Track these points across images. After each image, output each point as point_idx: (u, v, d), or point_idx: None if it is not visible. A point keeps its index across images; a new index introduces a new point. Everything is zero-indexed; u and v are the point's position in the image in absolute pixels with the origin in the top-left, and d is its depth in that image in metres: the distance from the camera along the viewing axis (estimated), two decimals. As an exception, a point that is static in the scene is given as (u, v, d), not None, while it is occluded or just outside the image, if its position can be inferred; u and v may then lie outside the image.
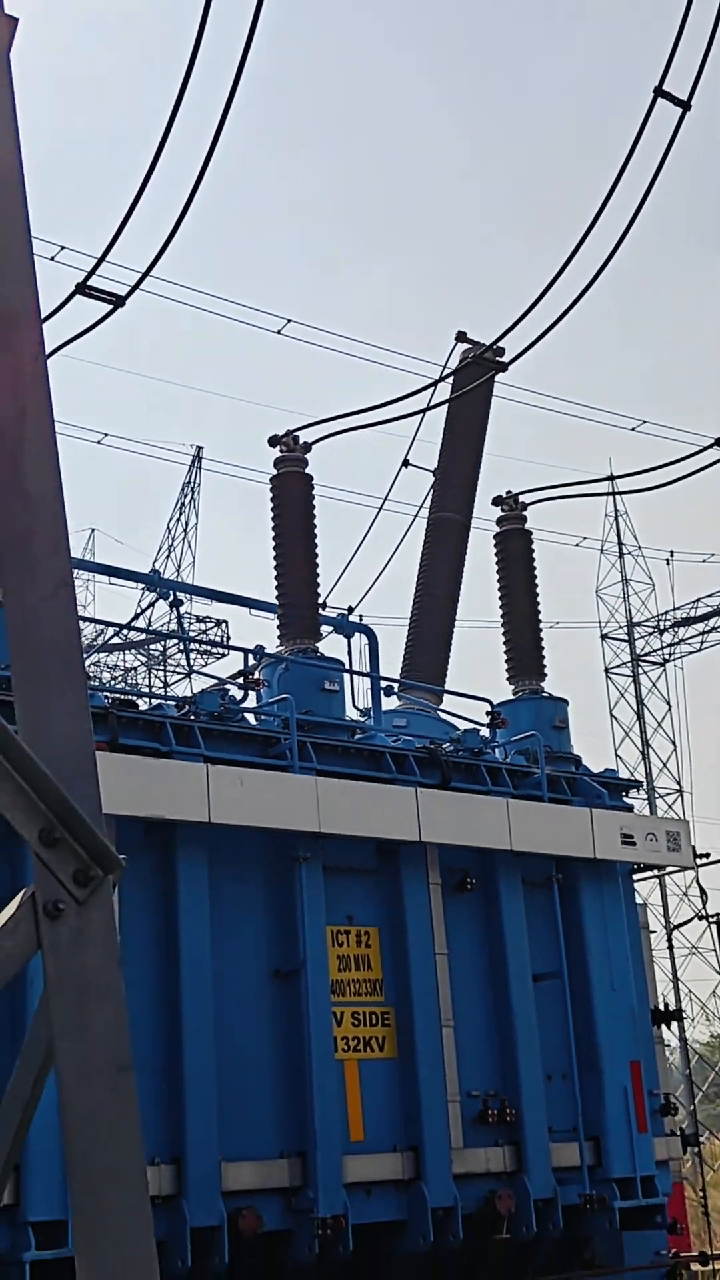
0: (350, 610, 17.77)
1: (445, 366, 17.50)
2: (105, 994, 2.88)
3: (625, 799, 14.22)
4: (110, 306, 10.95)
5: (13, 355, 3.16)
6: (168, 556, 50.18)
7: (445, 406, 18.64)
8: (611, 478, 16.33)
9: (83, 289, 10.77)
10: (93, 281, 10.82)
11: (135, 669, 46.74)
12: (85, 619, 14.14)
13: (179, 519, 51.09)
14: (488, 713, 14.07)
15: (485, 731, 13.94)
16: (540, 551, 15.38)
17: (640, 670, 51.20)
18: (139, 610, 14.11)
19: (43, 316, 11.26)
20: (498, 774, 13.26)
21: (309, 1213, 10.81)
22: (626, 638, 51.99)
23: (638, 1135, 12.73)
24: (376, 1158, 11.44)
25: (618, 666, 52.18)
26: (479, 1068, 12.29)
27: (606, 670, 52.08)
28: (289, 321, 32.74)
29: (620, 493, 18.42)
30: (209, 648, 28.99)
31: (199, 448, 50.17)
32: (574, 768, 14.06)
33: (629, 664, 51.61)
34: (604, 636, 52.11)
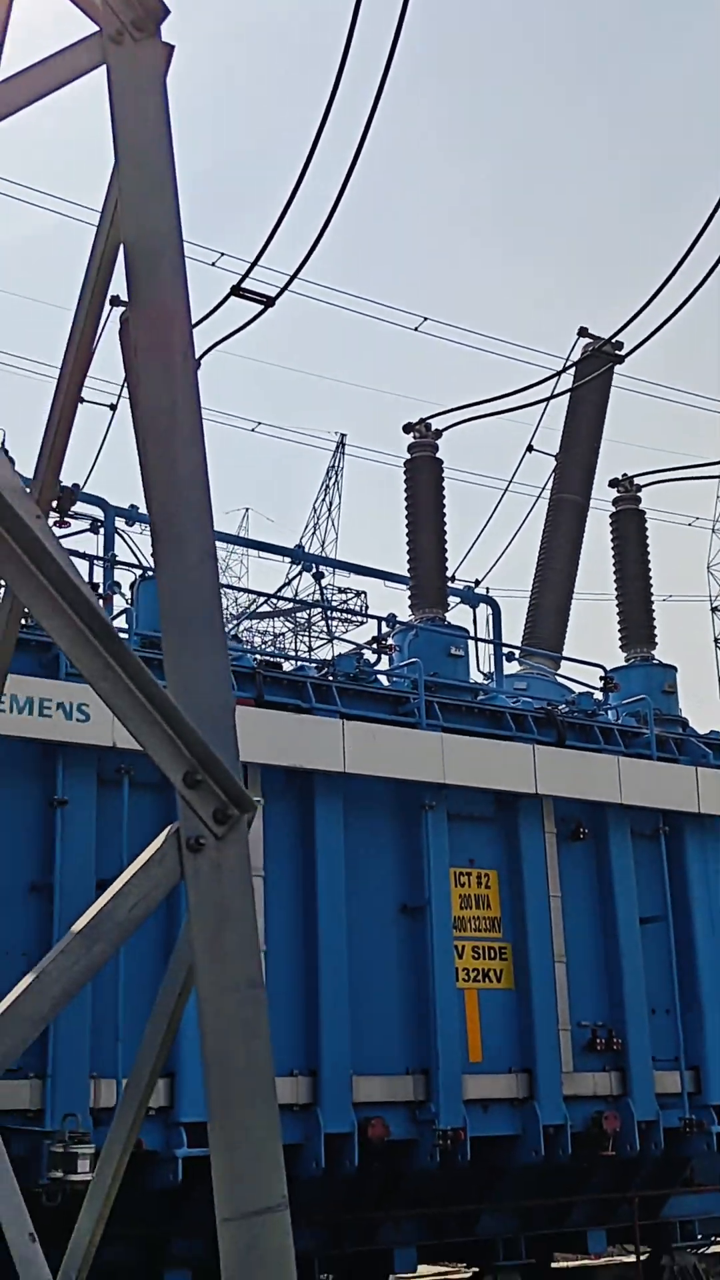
0: (477, 584, 17.71)
1: (568, 359, 17.29)
2: (239, 919, 2.95)
3: (728, 759, 13.97)
4: (262, 306, 11.02)
5: (167, 352, 3.23)
6: (313, 534, 50.45)
7: (567, 396, 18.48)
8: (720, 461, 15.96)
9: (237, 291, 10.87)
10: (246, 284, 10.90)
11: (283, 635, 47.18)
12: (237, 588, 14.35)
13: (324, 500, 51.32)
14: (601, 678, 13.95)
15: (599, 695, 13.82)
16: (654, 530, 15.20)
17: (748, 640, 50.14)
18: (285, 581, 14.33)
19: (202, 316, 11.35)
20: (610, 734, 13.15)
21: (431, 1124, 10.91)
22: (736, 610, 50.90)
23: (735, 1067, 12.58)
24: (493, 1078, 11.48)
25: (726, 637, 51.10)
26: (588, 1000, 12.25)
27: (716, 640, 51.12)
28: (425, 319, 32.68)
29: (726, 475, 18.01)
30: (348, 616, 29.13)
31: (342, 435, 50.26)
32: (681, 729, 13.88)
33: (737, 634, 50.54)
34: (714, 609, 51.15)
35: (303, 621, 46.83)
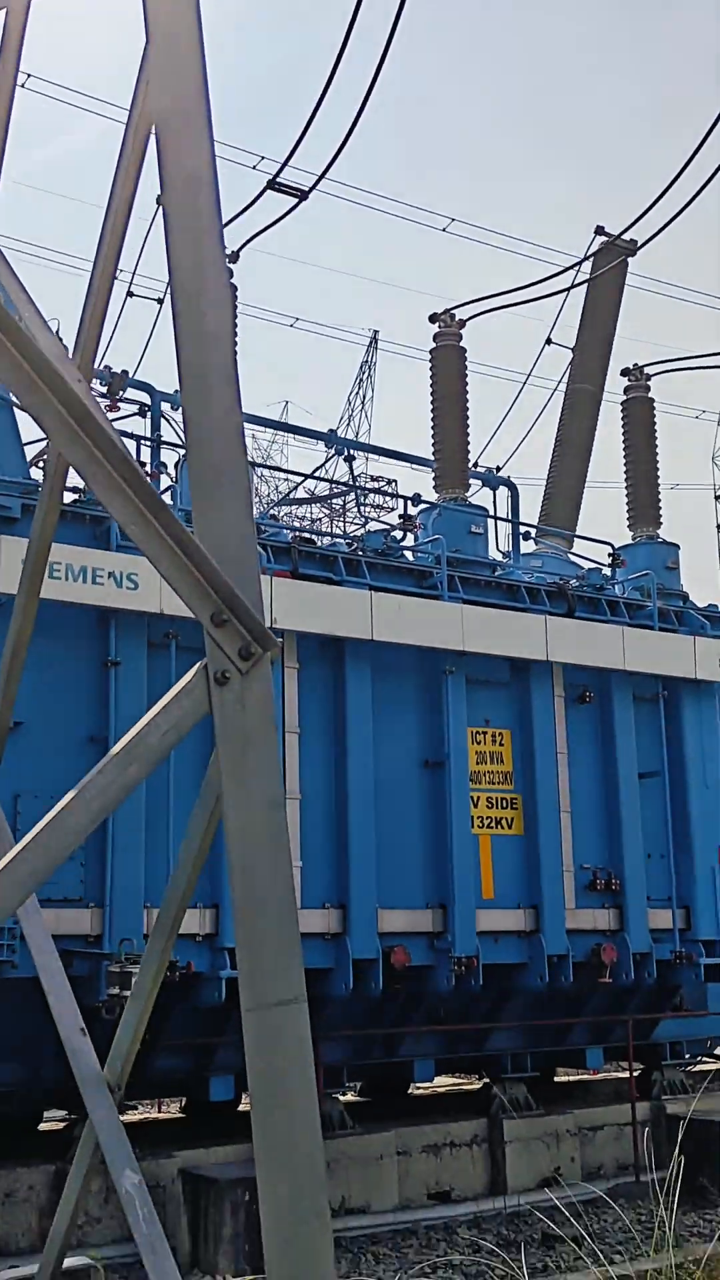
0: (499, 469, 17.50)
1: (585, 255, 16.80)
2: (262, 746, 2.93)
3: (725, 630, 13.88)
4: (297, 199, 10.72)
5: (195, 216, 3.10)
6: (348, 425, 49.86)
7: (584, 290, 18.04)
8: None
9: (273, 185, 10.56)
10: (282, 180, 10.59)
11: (320, 520, 46.98)
12: (274, 468, 14.17)
13: (357, 393, 50.62)
14: (609, 554, 13.81)
15: (607, 571, 13.69)
16: (662, 422, 14.88)
17: (748, 527, 49.53)
18: (320, 464, 14.24)
19: (240, 210, 10.96)
20: (616, 606, 13.06)
21: (448, 952, 11.11)
22: (737, 499, 50.21)
23: (722, 906, 12.73)
24: (504, 912, 11.65)
25: (728, 524, 50.49)
26: (590, 846, 12.36)
27: (719, 526, 50.50)
28: (453, 220, 31.78)
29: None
30: (379, 498, 28.84)
31: (375, 331, 49.38)
32: (681, 602, 13.75)
33: (738, 522, 49.92)
34: (718, 498, 50.44)
35: (338, 508, 46.62)
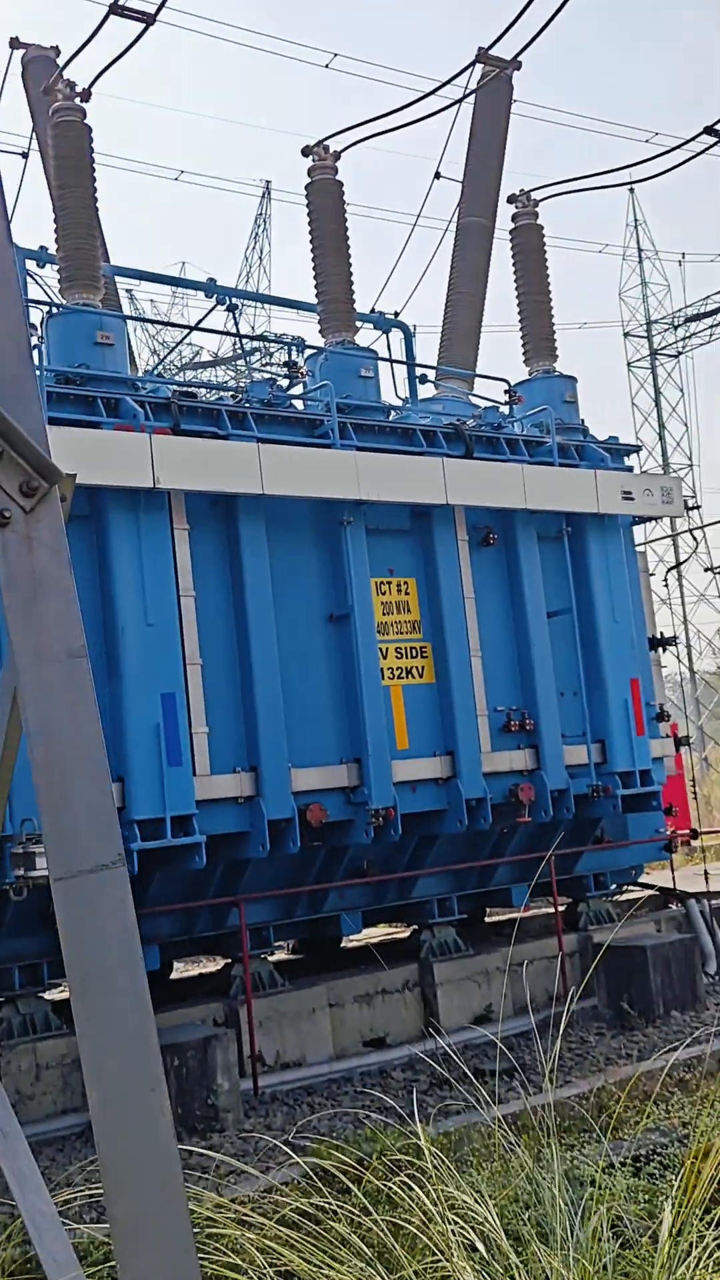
0: (396, 315, 16.91)
1: (468, 79, 15.96)
2: (56, 590, 2.62)
3: (625, 461, 13.66)
4: (144, 25, 9.93)
5: None
6: (245, 281, 48.32)
7: (470, 120, 17.24)
8: (623, 168, 14.89)
9: (115, 9, 9.75)
10: (132, 5, 9.78)
11: (226, 381, 45.75)
12: (152, 320, 13.52)
13: (254, 248, 48.95)
14: (505, 391, 13.42)
15: (505, 409, 13.33)
16: (566, 259, 14.61)
17: (657, 363, 49.29)
18: (203, 316, 13.55)
19: (85, 41, 10.09)
20: (515, 444, 12.74)
21: (365, 805, 11.03)
22: (645, 334, 49.85)
23: (636, 737, 12.77)
24: (420, 761, 11.58)
25: (638, 360, 50.23)
26: (503, 688, 12.28)
27: (628, 364, 50.16)
28: (335, 55, 30.28)
29: (628, 183, 17.01)
30: (263, 344, 27.72)
31: (268, 182, 47.55)
32: (581, 436, 13.47)
33: (648, 358, 49.65)
34: (626, 334, 49.97)
35: (243, 369, 45.41)
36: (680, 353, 48.74)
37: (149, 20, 9.77)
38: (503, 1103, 9.18)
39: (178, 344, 13.53)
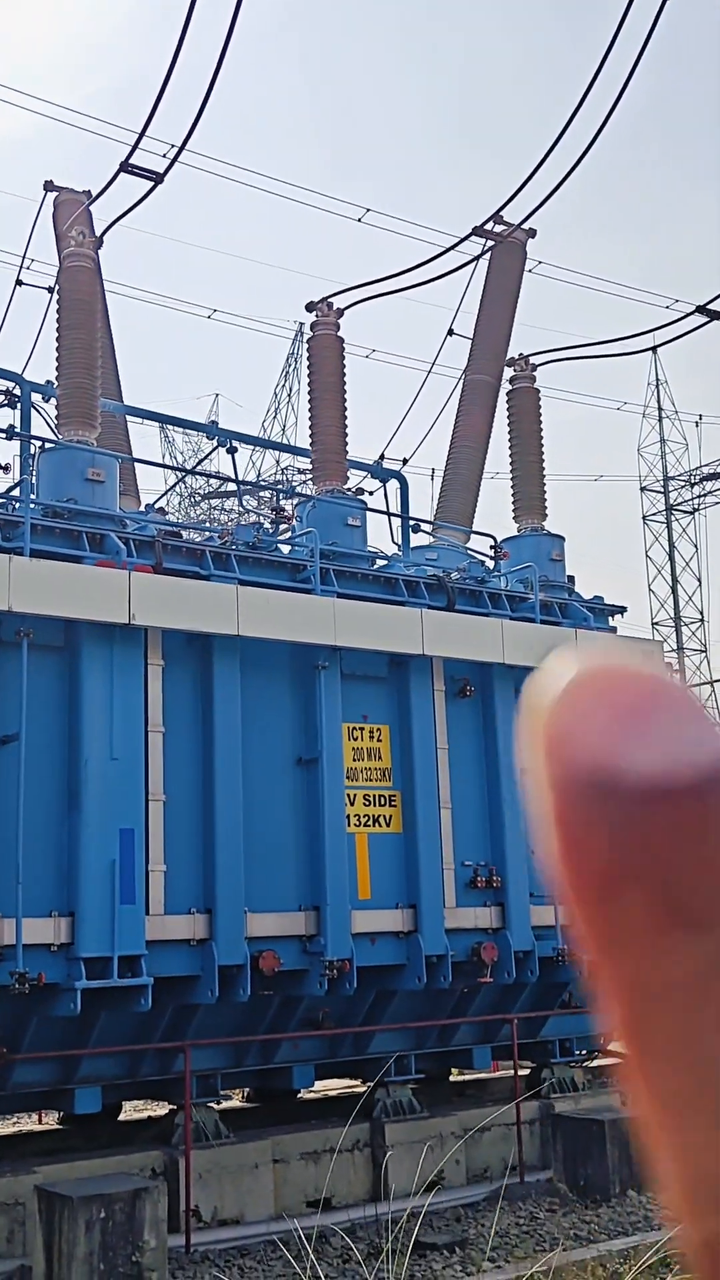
0: (405, 462, 17.27)
1: (484, 243, 16.56)
2: None
3: (610, 621, 13.75)
4: (152, 183, 10.40)
5: None
6: (274, 418, 49.47)
7: (483, 282, 17.91)
8: (615, 339, 15.36)
9: (125, 168, 10.22)
10: (134, 163, 10.25)
11: (244, 514, 46.43)
12: (150, 462, 13.82)
13: (283, 386, 50.22)
14: (491, 546, 13.62)
15: (490, 563, 13.50)
16: (586, 414, 14.93)
17: (673, 518, 49.98)
18: (203, 458, 13.83)
19: (98, 193, 10.57)
20: (498, 599, 12.87)
21: (320, 955, 10.86)
22: (663, 490, 50.66)
23: (606, 902, 12.56)
24: (380, 913, 11.44)
25: (654, 515, 50.97)
26: (472, 842, 12.18)
27: (644, 518, 50.88)
28: (368, 210, 31.41)
29: (633, 352, 17.46)
30: (254, 490, 27.91)
31: (300, 324, 48.97)
32: (566, 594, 13.60)
33: (664, 513, 50.38)
34: (643, 489, 50.82)
35: (265, 499, 46.13)
36: (696, 509, 49.47)
37: (158, 179, 10.23)
38: (433, 1282, 8.82)
39: (171, 487, 13.92)
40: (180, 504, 43.84)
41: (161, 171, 10.15)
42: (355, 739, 11.70)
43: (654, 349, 19.90)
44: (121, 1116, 12.60)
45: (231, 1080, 11.83)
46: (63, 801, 9.97)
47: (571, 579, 14.17)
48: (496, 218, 17.50)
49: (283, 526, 12.28)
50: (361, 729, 11.76)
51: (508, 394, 14.52)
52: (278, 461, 48.69)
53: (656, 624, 49.88)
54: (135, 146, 10.04)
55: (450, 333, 18.73)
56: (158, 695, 10.60)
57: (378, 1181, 11.45)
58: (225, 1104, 12.27)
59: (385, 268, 12.67)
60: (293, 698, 11.44)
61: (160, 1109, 13.41)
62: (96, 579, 10.05)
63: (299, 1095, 13.12)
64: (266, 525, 12.23)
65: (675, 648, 49.00)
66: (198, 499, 43.17)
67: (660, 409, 50.32)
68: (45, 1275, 9.07)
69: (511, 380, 14.50)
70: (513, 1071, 12.39)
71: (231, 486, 46.71)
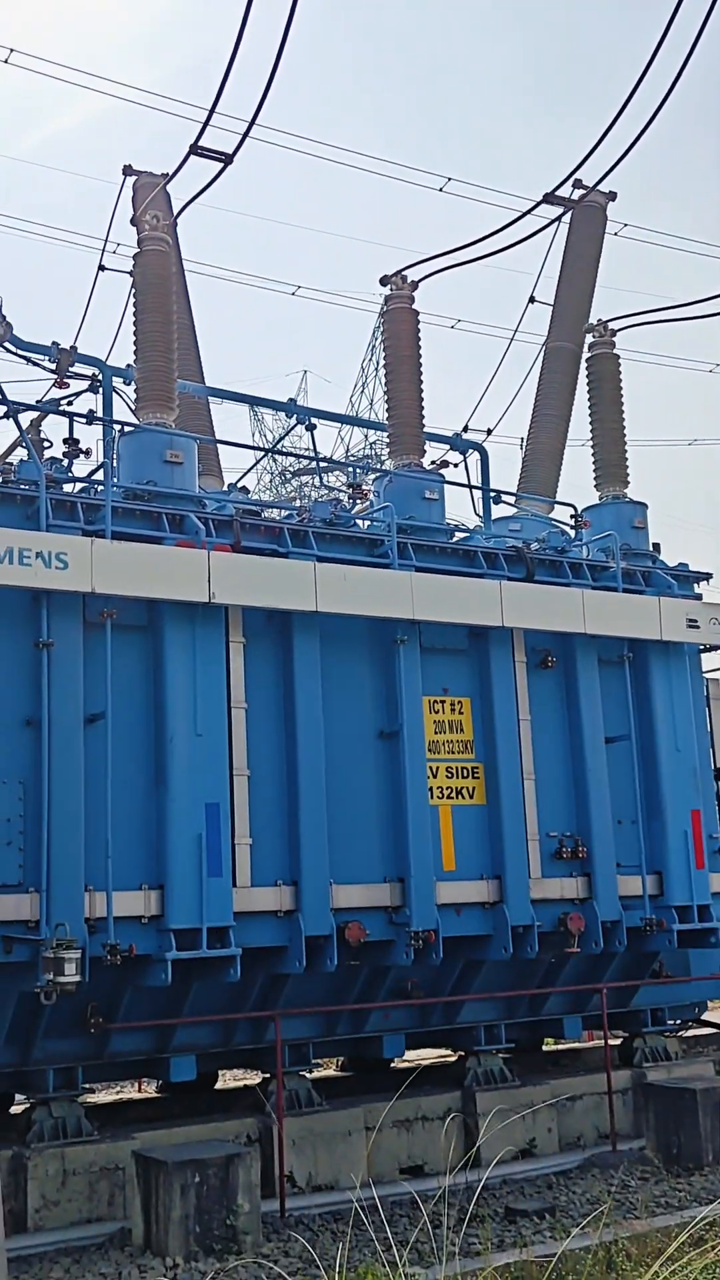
0: (489, 433, 17.20)
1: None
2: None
3: (696, 589, 13.59)
4: (222, 164, 10.49)
5: None
6: (361, 391, 49.55)
7: (563, 247, 17.78)
8: (696, 301, 15.05)
9: (195, 150, 10.33)
10: (204, 145, 10.35)
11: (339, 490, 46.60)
12: (226, 442, 14.02)
13: (370, 360, 50.19)
14: (572, 516, 13.54)
15: (572, 533, 13.42)
16: (678, 378, 14.75)
17: (771, 480, 48.94)
18: (283, 435, 14.01)
19: (169, 176, 10.67)
20: (578, 569, 12.80)
21: (406, 926, 10.98)
22: (760, 452, 49.62)
23: (695, 871, 12.51)
24: (465, 884, 11.52)
25: (751, 477, 49.93)
26: (556, 813, 12.18)
27: (740, 481, 49.86)
28: (450, 179, 31.16)
29: (708, 315, 17.08)
30: (333, 466, 27.87)
31: (386, 297, 48.85)
32: (650, 562, 13.47)
33: (761, 475, 49.34)
34: (739, 451, 49.79)
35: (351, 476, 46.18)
36: None
37: (227, 160, 10.31)
38: (520, 1246, 8.92)
39: (252, 466, 14.18)
40: (271, 482, 44.17)
41: (230, 152, 10.22)
42: (436, 712, 11.76)
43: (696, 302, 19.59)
44: (219, 1085, 12.91)
45: (324, 1049, 12.03)
46: (149, 777, 10.20)
47: (656, 546, 14.02)
48: (574, 182, 17.30)
49: (360, 502, 12.34)
50: (443, 702, 11.82)
51: (587, 360, 14.38)
52: (365, 437, 48.79)
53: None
54: (204, 128, 10.12)
55: (532, 300, 18.55)
56: (239, 672, 10.77)
57: (470, 1149, 11.58)
58: (318, 1073, 12.50)
59: (469, 236, 12.58)
60: (373, 672, 11.53)
61: (255, 1078, 13.70)
62: (176, 559, 10.23)
63: (391, 1064, 13.29)
64: (344, 501, 12.30)
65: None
66: (287, 476, 43.45)
67: (755, 369, 49.22)
68: (144, 1237, 9.36)
69: (590, 347, 14.35)
70: (604, 1041, 12.40)
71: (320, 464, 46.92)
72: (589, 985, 12.42)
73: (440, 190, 31.51)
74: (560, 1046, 14.76)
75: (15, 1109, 11.19)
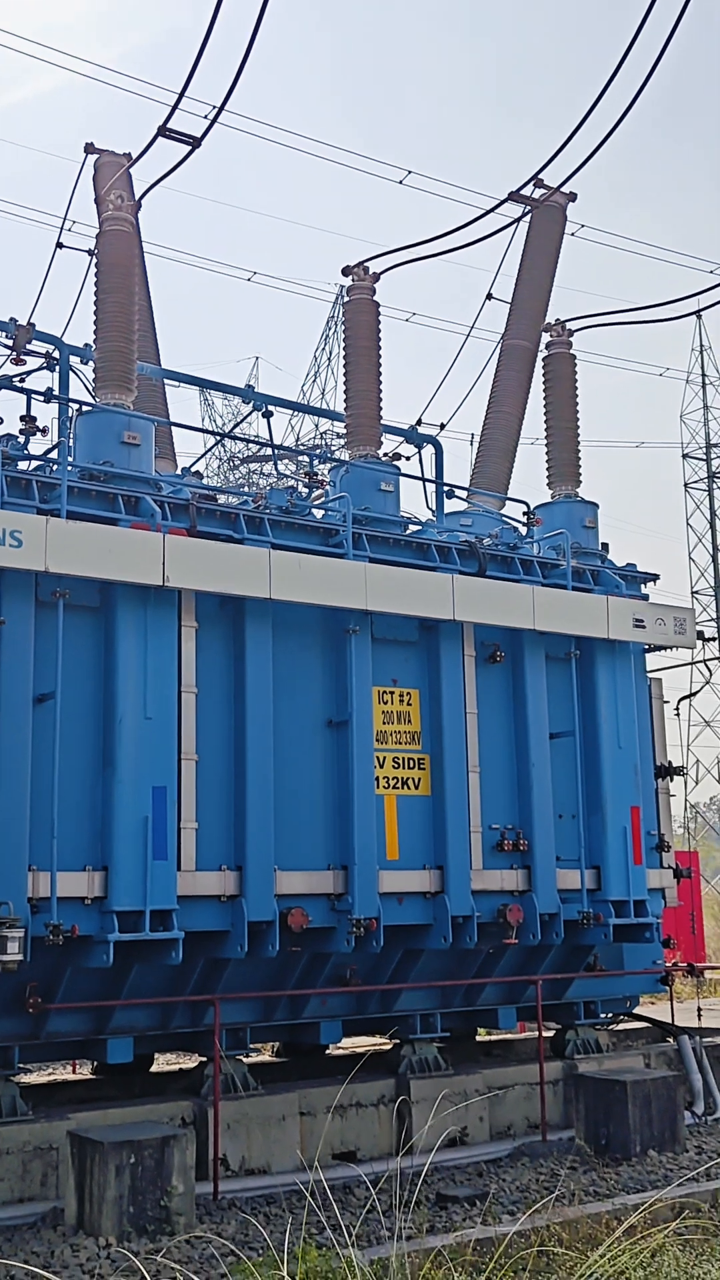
0: (442, 427, 17.28)
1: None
2: None
3: (643, 589, 13.79)
4: (190, 147, 10.47)
5: None
6: (314, 381, 49.48)
7: (523, 245, 17.88)
8: (652, 305, 15.28)
9: (163, 131, 10.30)
10: (172, 127, 10.32)
11: (286, 478, 46.52)
12: (186, 425, 13.99)
13: (324, 349, 50.18)
14: (524, 513, 13.67)
15: (523, 530, 13.55)
16: (629, 380, 15.08)
17: (715, 485, 49.65)
18: (236, 421, 13.95)
19: (135, 158, 10.66)
20: (529, 565, 12.94)
21: (348, 914, 11.06)
22: (705, 458, 50.27)
23: (633, 866, 12.72)
24: (408, 873, 11.63)
25: (695, 482, 50.65)
26: (500, 806, 12.32)
27: (685, 485, 50.58)
28: (410, 173, 31.20)
29: (672, 318, 17.37)
30: (289, 455, 27.84)
31: (341, 287, 48.86)
32: (599, 561, 13.64)
33: (705, 480, 50.04)
34: (685, 456, 50.48)
35: (304, 464, 46.18)
36: (738, 477, 49.16)
37: (195, 143, 10.30)
38: (451, 1231, 9.05)
39: (207, 451, 14.14)
40: (220, 468, 43.99)
41: (199, 136, 10.20)
42: (385, 702, 11.85)
43: (698, 313, 19.86)
44: (154, 1068, 12.92)
45: (261, 1035, 12.09)
46: (97, 759, 10.19)
47: (605, 546, 14.21)
48: (536, 182, 17.43)
49: (316, 491, 12.38)
50: (392, 693, 11.91)
51: (543, 359, 14.53)
52: (316, 425, 48.73)
53: (697, 593, 49.69)
54: (173, 110, 10.08)
55: (489, 297, 18.66)
56: (191, 656, 10.78)
57: (402, 1136, 11.70)
58: (254, 1058, 12.56)
59: (427, 230, 12.68)
60: (324, 661, 11.59)
61: (191, 1061, 13.73)
62: (131, 541, 10.21)
63: (327, 1051, 13.38)
64: (300, 490, 12.34)
65: (716, 616, 48.73)
66: (236, 462, 43.31)
67: (704, 375, 49.93)
68: (76, 1216, 9.37)
69: (548, 346, 14.50)
70: (538, 1032, 12.58)
71: (269, 451, 46.83)
72: (525, 977, 12.59)
73: (400, 183, 31.59)
74: (493, 1037, 14.93)
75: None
